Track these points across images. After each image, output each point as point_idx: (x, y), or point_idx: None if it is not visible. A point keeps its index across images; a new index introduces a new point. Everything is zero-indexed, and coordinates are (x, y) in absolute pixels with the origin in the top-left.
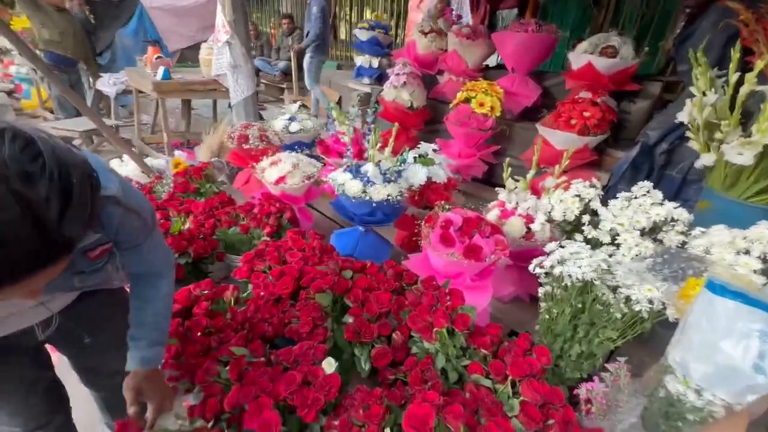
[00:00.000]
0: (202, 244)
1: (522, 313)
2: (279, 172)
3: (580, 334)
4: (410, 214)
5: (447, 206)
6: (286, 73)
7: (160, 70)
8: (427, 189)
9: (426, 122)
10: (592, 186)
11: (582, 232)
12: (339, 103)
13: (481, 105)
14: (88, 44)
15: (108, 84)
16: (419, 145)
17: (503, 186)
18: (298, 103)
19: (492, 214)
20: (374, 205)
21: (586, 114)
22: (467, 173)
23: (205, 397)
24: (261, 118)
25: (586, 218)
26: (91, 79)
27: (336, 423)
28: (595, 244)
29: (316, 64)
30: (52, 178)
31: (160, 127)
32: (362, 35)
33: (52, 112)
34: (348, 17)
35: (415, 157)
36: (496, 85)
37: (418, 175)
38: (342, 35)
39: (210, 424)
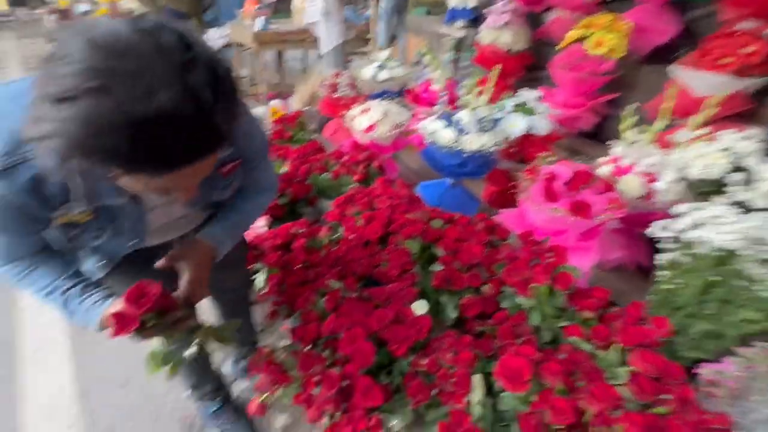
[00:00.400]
0: (297, 187)
1: (623, 283)
2: (369, 120)
3: (710, 310)
4: (502, 168)
5: (551, 158)
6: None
7: (258, 21)
8: (525, 141)
9: (527, 68)
10: (748, 138)
11: (724, 194)
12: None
13: (599, 45)
14: (198, 1)
15: (213, 39)
16: (519, 93)
17: (615, 140)
18: (388, 50)
19: (603, 171)
20: (466, 156)
21: (748, 49)
22: (573, 126)
23: (304, 323)
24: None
25: (734, 177)
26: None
27: (424, 362)
28: (743, 208)
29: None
30: (205, 66)
31: (257, 80)
32: None
33: None
34: None
35: (514, 106)
36: (622, 18)
37: (516, 126)
38: None
39: (308, 347)
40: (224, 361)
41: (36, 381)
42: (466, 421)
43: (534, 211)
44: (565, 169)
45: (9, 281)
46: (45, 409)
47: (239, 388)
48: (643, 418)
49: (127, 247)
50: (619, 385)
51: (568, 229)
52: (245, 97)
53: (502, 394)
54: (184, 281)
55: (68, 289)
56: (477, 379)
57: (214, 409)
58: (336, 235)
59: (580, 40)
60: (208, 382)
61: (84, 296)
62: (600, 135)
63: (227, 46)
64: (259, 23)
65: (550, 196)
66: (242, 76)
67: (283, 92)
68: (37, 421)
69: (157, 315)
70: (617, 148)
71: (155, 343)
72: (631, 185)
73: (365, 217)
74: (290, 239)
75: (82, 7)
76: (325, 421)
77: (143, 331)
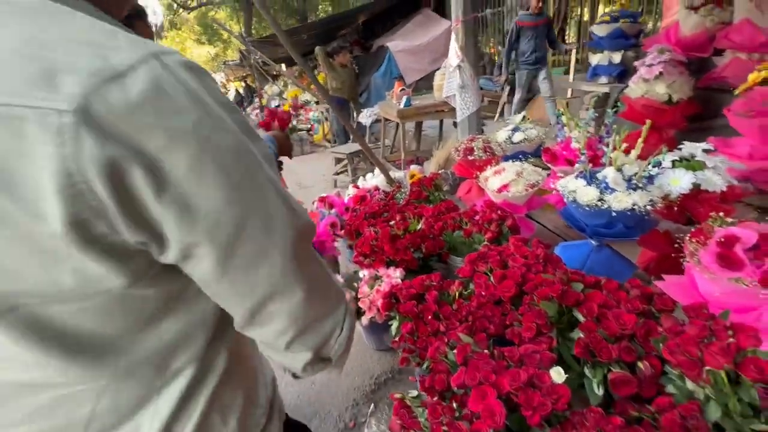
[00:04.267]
0: (431, 243)
1: None
2: (502, 180)
3: None
4: (663, 229)
5: (728, 220)
6: (510, 88)
7: (403, 99)
8: (693, 199)
9: (690, 118)
10: None
11: None
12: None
13: None
14: (356, 88)
15: (365, 116)
16: (681, 146)
17: None
18: (522, 113)
19: None
20: (613, 214)
21: None
22: (763, 180)
23: (434, 373)
24: (482, 132)
25: None
26: (354, 114)
27: None
28: None
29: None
30: None
31: (398, 147)
32: (601, 30)
33: (329, 141)
34: (578, 16)
35: (674, 161)
36: None
37: (678, 182)
38: (570, 38)
39: (436, 398)
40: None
41: None
42: None
43: (707, 281)
44: (749, 231)
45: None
46: None
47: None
48: None
49: None
50: None
51: (758, 305)
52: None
53: None
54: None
55: None
56: None
57: None
58: (467, 291)
59: (765, 81)
60: None
61: None
62: None
63: (377, 121)
64: (403, 101)
65: (729, 263)
66: (385, 145)
67: (420, 158)
68: None
69: None
70: None
71: None
72: None
73: (497, 275)
74: (423, 290)
75: (273, 104)
76: None
77: None
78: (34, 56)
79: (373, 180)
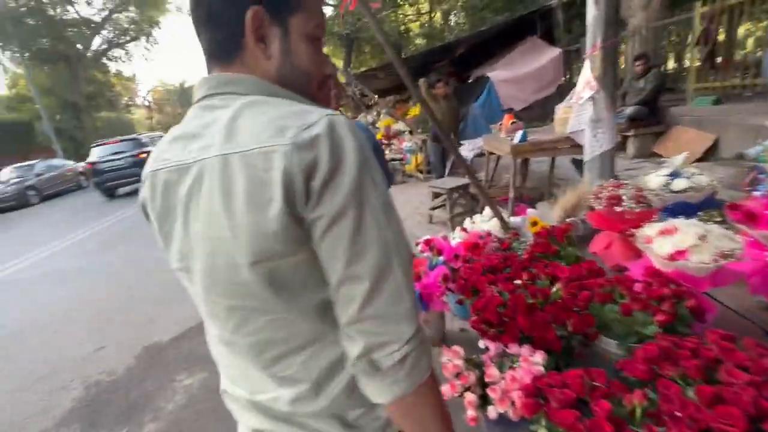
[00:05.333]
0: (578, 320)
1: None
2: (676, 244)
3: None
4: None
5: None
6: (633, 119)
7: (518, 134)
8: None
9: None
10: None
11: None
12: (714, 145)
13: None
14: (457, 120)
15: (467, 149)
16: None
17: None
18: (684, 154)
19: None
20: None
21: None
22: None
23: None
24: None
25: None
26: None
27: None
28: None
29: None
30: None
31: (496, 182)
32: None
33: (421, 172)
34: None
35: None
36: None
37: None
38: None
39: None
40: None
41: None
42: None
43: None
44: None
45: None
46: None
47: None
48: None
49: None
50: None
51: None
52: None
53: None
54: None
55: None
56: None
57: None
58: (650, 406)
59: None
60: None
61: None
62: None
63: (479, 155)
64: (518, 136)
65: None
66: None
67: (525, 195)
68: None
69: None
70: None
71: None
72: None
73: (704, 394)
74: (585, 393)
75: None
76: None
77: None
78: (273, 123)
79: (484, 224)
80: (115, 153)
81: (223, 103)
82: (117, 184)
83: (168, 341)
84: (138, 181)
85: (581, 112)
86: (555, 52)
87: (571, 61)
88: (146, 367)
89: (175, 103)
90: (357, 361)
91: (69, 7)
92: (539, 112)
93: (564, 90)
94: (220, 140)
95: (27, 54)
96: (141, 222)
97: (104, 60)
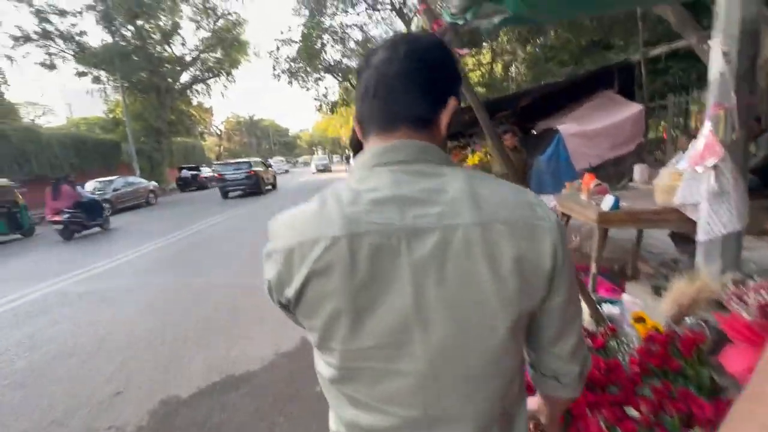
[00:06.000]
0: None
1: None
2: None
3: None
4: None
5: None
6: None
7: (609, 200)
8: None
9: None
10: None
11: None
12: None
13: None
14: (526, 174)
15: None
16: None
17: None
18: None
19: None
20: None
21: None
22: None
23: None
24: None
25: None
26: None
27: None
28: None
29: None
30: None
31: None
32: None
33: None
34: None
35: None
36: None
37: None
38: None
39: None
40: None
41: None
42: None
43: None
44: None
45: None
46: None
47: None
48: None
49: None
50: None
51: None
52: None
53: None
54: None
55: None
56: None
57: None
58: None
59: None
60: None
61: None
62: None
63: None
64: (608, 202)
65: None
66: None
67: (602, 267)
68: None
69: None
70: None
71: None
72: None
73: None
74: None
75: None
76: None
77: None
78: (517, 198)
79: None
80: (235, 169)
81: (432, 170)
82: (232, 189)
83: (187, 398)
84: (242, 188)
85: (697, 182)
86: (636, 108)
87: (650, 118)
88: (157, 428)
89: (243, 133)
90: (574, 378)
91: (167, 47)
92: (612, 171)
93: (642, 149)
94: (470, 208)
95: (126, 84)
96: (198, 243)
97: (188, 92)
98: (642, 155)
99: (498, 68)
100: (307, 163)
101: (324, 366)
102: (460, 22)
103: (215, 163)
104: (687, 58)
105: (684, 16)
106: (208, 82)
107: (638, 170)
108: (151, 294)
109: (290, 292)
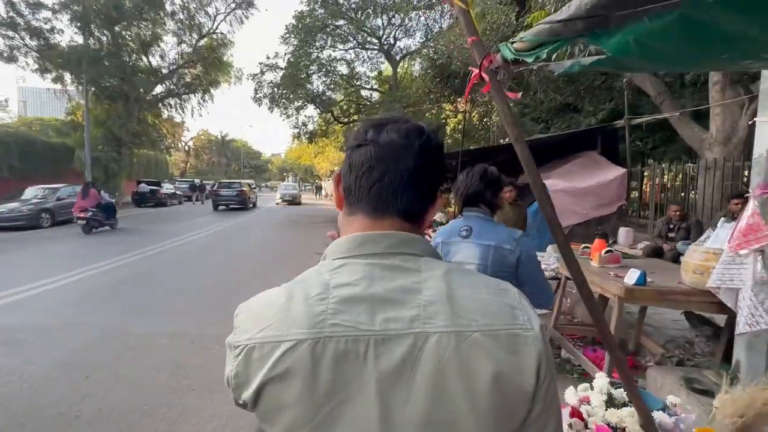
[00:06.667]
0: None
1: None
2: None
3: None
4: None
5: None
6: None
7: (633, 274)
8: None
9: None
10: None
11: None
12: None
13: None
14: (523, 230)
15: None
16: None
17: None
18: None
19: None
20: None
21: None
22: None
23: None
24: None
25: None
26: None
27: None
28: None
29: None
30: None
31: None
32: None
33: None
34: None
35: None
36: None
37: None
38: None
39: None
40: None
41: None
42: None
43: None
44: None
45: None
46: None
47: None
48: None
49: None
50: None
51: None
52: None
53: None
54: None
55: None
56: None
57: None
58: None
59: None
60: None
61: None
62: None
63: (554, 278)
64: (633, 276)
65: None
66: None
67: (596, 338)
68: None
69: None
70: None
71: None
72: None
73: None
74: None
75: None
76: None
77: None
78: (498, 302)
79: (596, 398)
80: (227, 187)
81: (410, 265)
82: (223, 203)
83: None
84: (233, 203)
85: (737, 266)
86: (619, 170)
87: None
88: None
89: (213, 151)
90: None
91: (144, 57)
92: (593, 232)
93: (623, 212)
94: (446, 313)
95: (93, 89)
96: (141, 273)
97: (160, 105)
98: (623, 217)
99: (474, 118)
100: (274, 188)
101: None
102: (530, 60)
103: (219, 180)
104: (664, 129)
105: (662, 89)
106: (183, 97)
107: (623, 233)
108: (76, 339)
109: (247, 394)
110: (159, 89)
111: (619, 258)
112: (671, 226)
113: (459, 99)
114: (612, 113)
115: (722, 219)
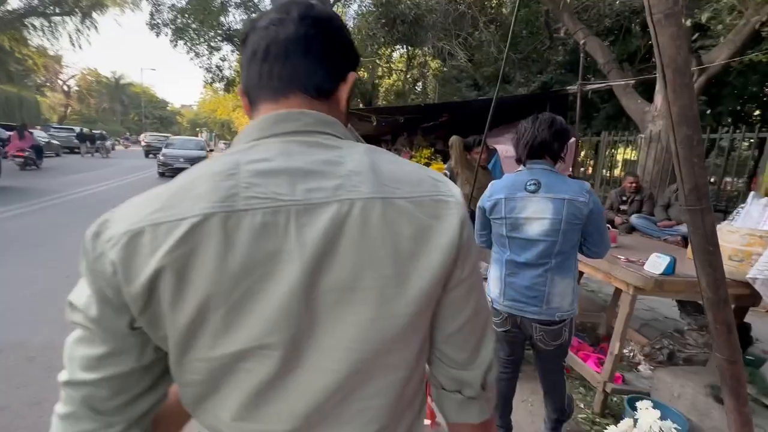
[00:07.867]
0: None
1: None
2: None
3: None
4: None
5: None
6: None
7: (659, 261)
8: None
9: None
10: None
11: None
12: None
13: None
14: None
15: None
16: None
17: None
18: None
19: None
20: None
21: None
22: None
23: None
24: None
25: None
26: None
27: None
28: None
29: None
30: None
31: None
32: None
33: None
34: None
35: None
36: None
37: None
38: None
39: None
40: None
41: None
42: None
43: None
44: None
45: None
46: None
47: None
48: None
49: None
50: None
51: None
52: None
53: None
54: None
55: None
56: None
57: None
58: None
59: None
60: None
61: None
62: None
63: None
64: (661, 263)
65: None
66: None
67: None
68: None
69: None
70: None
71: None
72: None
73: None
74: None
75: None
76: None
77: None
78: (421, 174)
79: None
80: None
81: (331, 143)
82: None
83: None
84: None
85: None
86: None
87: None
88: None
89: (102, 96)
90: (477, 389)
91: None
92: None
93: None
94: (371, 181)
95: None
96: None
97: (19, 26)
98: None
99: (410, 78)
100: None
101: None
102: None
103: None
104: (615, 98)
105: (610, 57)
106: (54, 19)
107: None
108: None
109: (133, 290)
110: (16, 3)
111: (615, 236)
112: (624, 198)
113: (408, 48)
114: (543, 86)
115: (752, 194)
